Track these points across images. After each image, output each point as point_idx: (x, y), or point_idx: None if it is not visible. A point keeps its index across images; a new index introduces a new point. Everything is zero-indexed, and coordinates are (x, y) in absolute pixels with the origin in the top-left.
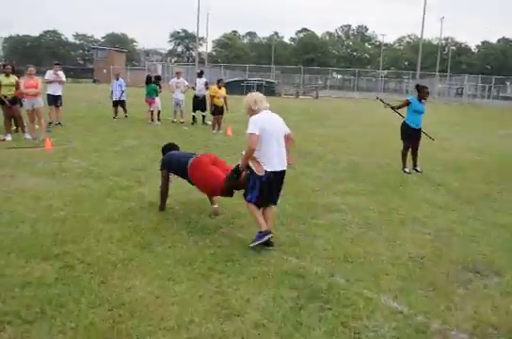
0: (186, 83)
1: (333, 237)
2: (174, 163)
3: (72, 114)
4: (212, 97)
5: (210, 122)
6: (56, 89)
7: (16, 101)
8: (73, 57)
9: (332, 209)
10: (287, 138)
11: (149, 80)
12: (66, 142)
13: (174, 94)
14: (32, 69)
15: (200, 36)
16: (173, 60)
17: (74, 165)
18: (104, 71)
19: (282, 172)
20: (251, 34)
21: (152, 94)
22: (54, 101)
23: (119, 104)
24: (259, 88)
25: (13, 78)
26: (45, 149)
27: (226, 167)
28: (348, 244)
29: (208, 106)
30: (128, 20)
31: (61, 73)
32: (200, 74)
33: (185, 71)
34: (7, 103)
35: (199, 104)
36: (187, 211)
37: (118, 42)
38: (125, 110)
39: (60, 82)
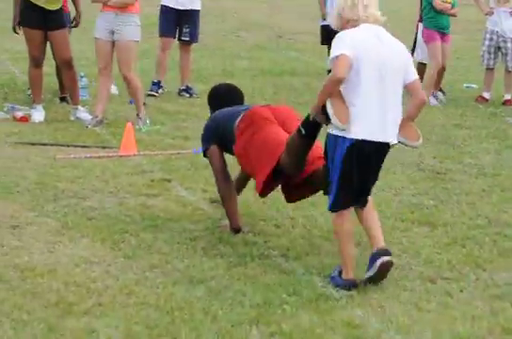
0: None
1: None
2: (221, 127)
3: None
4: None
5: None
6: None
7: (61, 18)
8: None
9: None
10: (411, 91)
11: None
12: (178, 139)
13: None
14: None
15: None
16: None
17: (192, 210)
18: None
19: (384, 147)
20: None
21: None
22: (173, 26)
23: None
24: None
25: None
26: (120, 155)
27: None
28: None
29: None
30: None
31: None
32: None
33: None
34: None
35: None
36: None
37: None
38: None
39: None
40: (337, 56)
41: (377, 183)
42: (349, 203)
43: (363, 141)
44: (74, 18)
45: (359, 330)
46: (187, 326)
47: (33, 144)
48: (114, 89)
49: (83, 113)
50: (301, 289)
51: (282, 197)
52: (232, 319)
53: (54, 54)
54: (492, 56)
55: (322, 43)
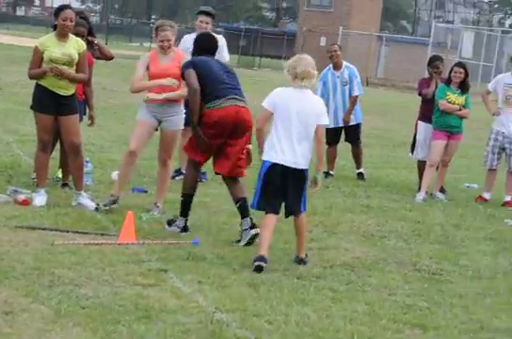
0: None
1: None
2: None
3: None
4: None
5: None
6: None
7: (73, 104)
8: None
9: None
10: (316, 134)
11: None
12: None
13: None
14: (168, 30)
15: None
16: None
17: (186, 302)
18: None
19: (292, 171)
20: None
21: None
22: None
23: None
24: None
25: (76, 45)
26: (118, 243)
27: None
28: None
29: None
30: None
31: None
32: None
33: None
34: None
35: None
36: None
37: None
38: (358, 159)
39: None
40: (263, 106)
41: (373, 281)
42: (268, 206)
43: (277, 165)
44: (91, 116)
45: None
46: None
47: (33, 228)
48: (114, 175)
49: (85, 199)
50: None
51: (278, 293)
52: None
53: (62, 139)
54: (496, 156)
55: None
